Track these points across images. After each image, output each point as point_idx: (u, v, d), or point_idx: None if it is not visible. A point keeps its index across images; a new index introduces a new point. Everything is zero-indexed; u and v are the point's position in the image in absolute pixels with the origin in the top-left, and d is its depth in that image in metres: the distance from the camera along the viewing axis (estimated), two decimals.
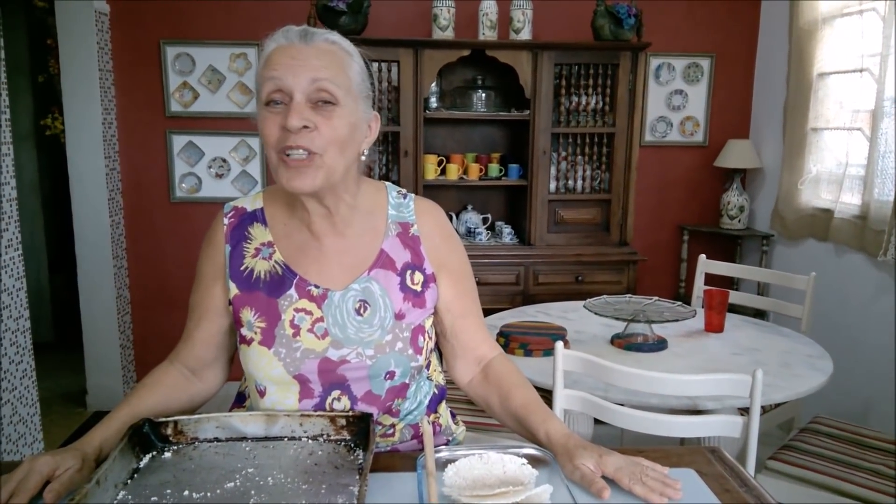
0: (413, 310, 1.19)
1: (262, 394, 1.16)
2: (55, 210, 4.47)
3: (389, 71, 3.24)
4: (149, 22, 3.48)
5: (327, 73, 1.07)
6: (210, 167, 3.63)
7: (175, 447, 1.08)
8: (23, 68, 4.23)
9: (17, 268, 2.37)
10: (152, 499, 0.93)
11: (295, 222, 1.20)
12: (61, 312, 4.52)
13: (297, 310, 1.15)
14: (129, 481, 0.98)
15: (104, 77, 3.39)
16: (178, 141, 3.60)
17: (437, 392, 1.31)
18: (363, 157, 1.18)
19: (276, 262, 1.18)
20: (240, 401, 1.31)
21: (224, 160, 3.62)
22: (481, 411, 2.21)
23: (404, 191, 1.28)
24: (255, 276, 1.18)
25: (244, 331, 1.16)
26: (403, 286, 1.19)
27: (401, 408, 1.21)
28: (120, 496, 0.94)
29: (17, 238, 2.37)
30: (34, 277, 4.29)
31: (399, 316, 1.18)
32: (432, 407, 1.29)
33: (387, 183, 1.28)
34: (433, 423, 1.30)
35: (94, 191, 3.40)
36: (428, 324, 1.23)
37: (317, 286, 1.17)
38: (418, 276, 1.21)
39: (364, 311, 1.17)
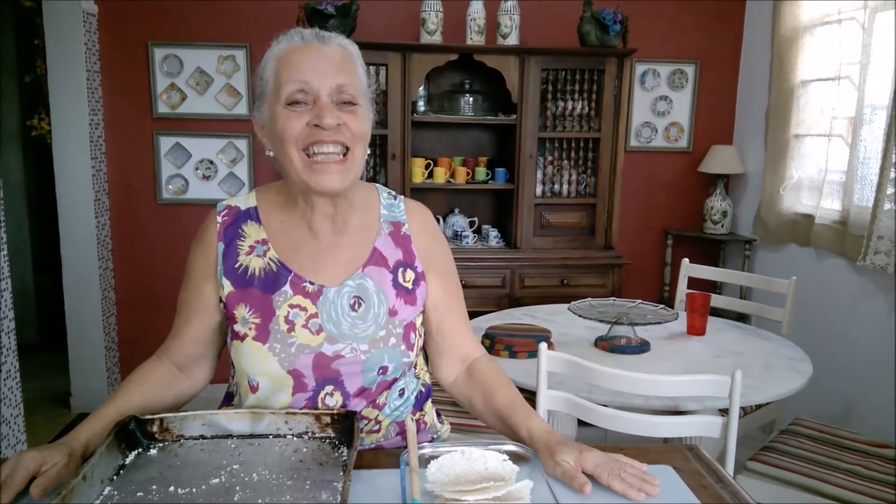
0: (405, 307, 1.22)
1: (254, 389, 1.17)
2: (41, 211, 4.45)
3: (378, 74, 3.26)
4: (137, 23, 3.48)
5: (347, 77, 1.12)
6: (197, 169, 3.62)
7: (161, 444, 1.09)
8: (10, 68, 4.21)
9: (1, 268, 2.36)
10: (138, 495, 0.94)
11: (293, 219, 1.22)
12: (46, 313, 4.49)
13: (291, 306, 1.17)
14: (115, 477, 0.99)
15: (91, 78, 3.39)
16: (166, 142, 3.59)
17: (423, 390, 1.33)
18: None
19: (270, 259, 1.20)
20: (228, 400, 1.32)
21: (211, 162, 3.62)
22: (467, 412, 2.22)
23: (394, 192, 1.31)
24: (249, 273, 1.19)
25: (237, 327, 1.17)
26: (396, 283, 1.22)
27: (387, 400, 1.23)
28: (106, 492, 0.95)
29: (1, 238, 2.36)
30: (19, 278, 4.26)
31: (392, 312, 1.20)
32: (419, 405, 1.31)
33: (377, 185, 1.32)
34: (418, 420, 1.32)
35: (80, 191, 3.39)
36: (418, 321, 1.26)
37: (311, 283, 1.19)
38: (410, 274, 1.24)
39: (358, 307, 1.19)
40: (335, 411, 1.13)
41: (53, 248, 3.57)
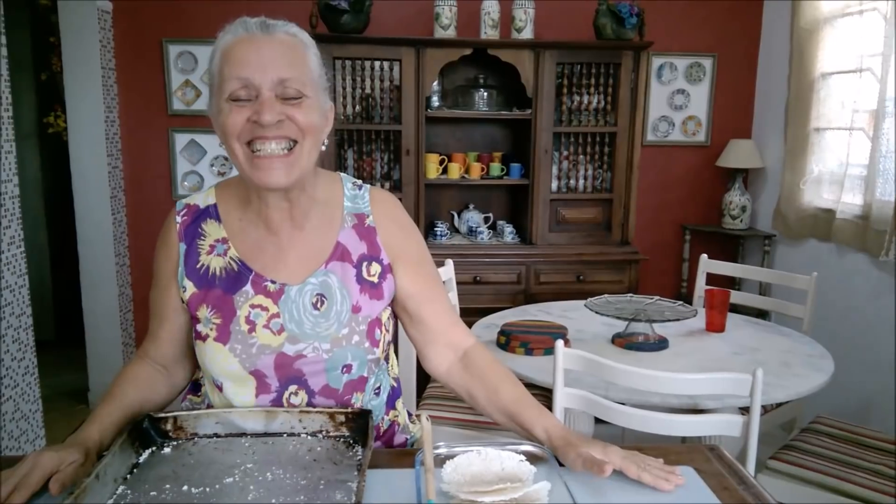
0: (370, 302, 1.19)
1: (219, 389, 1.16)
2: (57, 208, 4.47)
3: (391, 70, 3.25)
4: (151, 20, 3.49)
5: (292, 70, 1.07)
6: (212, 165, 3.63)
7: (174, 442, 1.08)
8: (26, 66, 4.24)
9: (19, 265, 2.37)
10: (151, 493, 0.94)
11: (251, 216, 1.19)
12: (63, 310, 4.52)
13: (252, 306, 1.15)
14: (128, 476, 0.98)
15: (106, 75, 3.40)
16: (181, 139, 3.60)
17: (395, 385, 1.31)
18: (323, 147, 1.17)
19: (231, 258, 1.17)
20: (194, 390, 1.31)
21: (226, 159, 3.62)
22: (471, 408, 2.21)
23: (359, 182, 1.27)
24: (210, 272, 1.17)
25: (200, 327, 1.16)
26: (360, 278, 1.19)
27: (363, 403, 1.20)
28: (119, 491, 0.94)
29: (19, 235, 2.37)
30: (36, 275, 4.29)
31: (355, 309, 1.17)
32: (391, 403, 1.29)
33: (342, 174, 1.27)
34: (393, 422, 1.30)
35: (96, 189, 3.41)
36: (385, 316, 1.23)
37: (273, 281, 1.16)
38: (375, 268, 1.20)
39: (321, 305, 1.16)
40: (349, 410, 1.11)
41: (70, 246, 3.60)
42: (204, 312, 1.15)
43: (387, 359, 1.29)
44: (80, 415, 3.50)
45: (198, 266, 1.17)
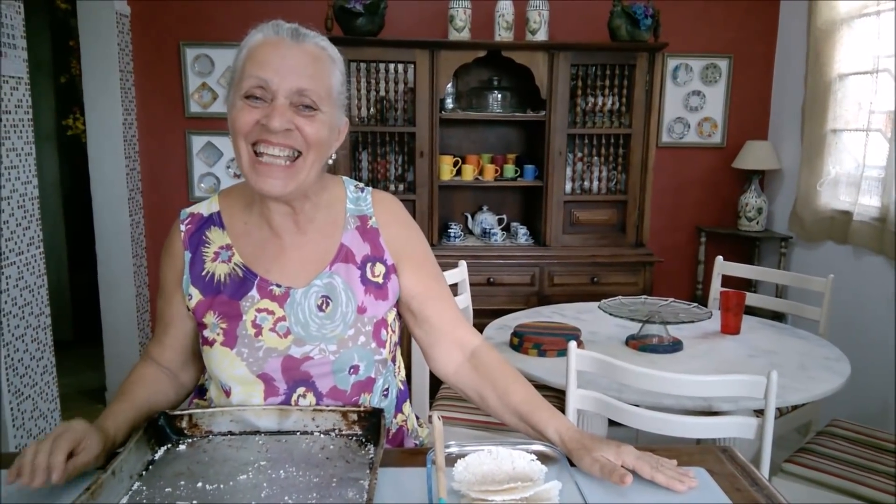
0: (375, 303, 1.19)
1: (227, 393, 1.17)
2: (75, 209, 4.53)
3: (405, 72, 3.26)
4: (169, 23, 3.52)
5: (312, 82, 1.08)
6: (228, 167, 3.66)
7: (190, 440, 1.09)
8: (45, 69, 4.29)
9: (38, 265, 2.40)
10: (166, 490, 0.95)
11: (255, 218, 1.20)
12: (81, 310, 4.57)
13: (258, 310, 1.16)
14: (144, 473, 1.00)
15: (125, 78, 3.44)
16: (198, 141, 3.64)
17: (401, 388, 1.31)
18: (330, 162, 1.18)
19: (235, 264, 1.18)
20: (200, 394, 1.32)
21: None
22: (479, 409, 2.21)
23: (361, 185, 1.28)
24: (216, 279, 1.18)
25: (207, 332, 1.17)
26: (364, 279, 1.20)
27: (368, 404, 1.20)
28: (135, 487, 0.96)
29: (38, 236, 2.40)
30: (54, 276, 4.34)
31: (361, 310, 1.18)
32: (398, 406, 1.29)
33: (344, 177, 1.28)
34: (401, 426, 1.30)
35: (114, 190, 3.45)
36: (391, 317, 1.23)
37: (278, 285, 1.17)
38: (379, 268, 1.21)
39: (326, 307, 1.17)
40: (362, 409, 1.12)
41: (88, 246, 3.63)
42: (210, 318, 1.17)
43: (393, 360, 1.29)
44: (98, 414, 3.49)
45: (203, 273, 1.19)
